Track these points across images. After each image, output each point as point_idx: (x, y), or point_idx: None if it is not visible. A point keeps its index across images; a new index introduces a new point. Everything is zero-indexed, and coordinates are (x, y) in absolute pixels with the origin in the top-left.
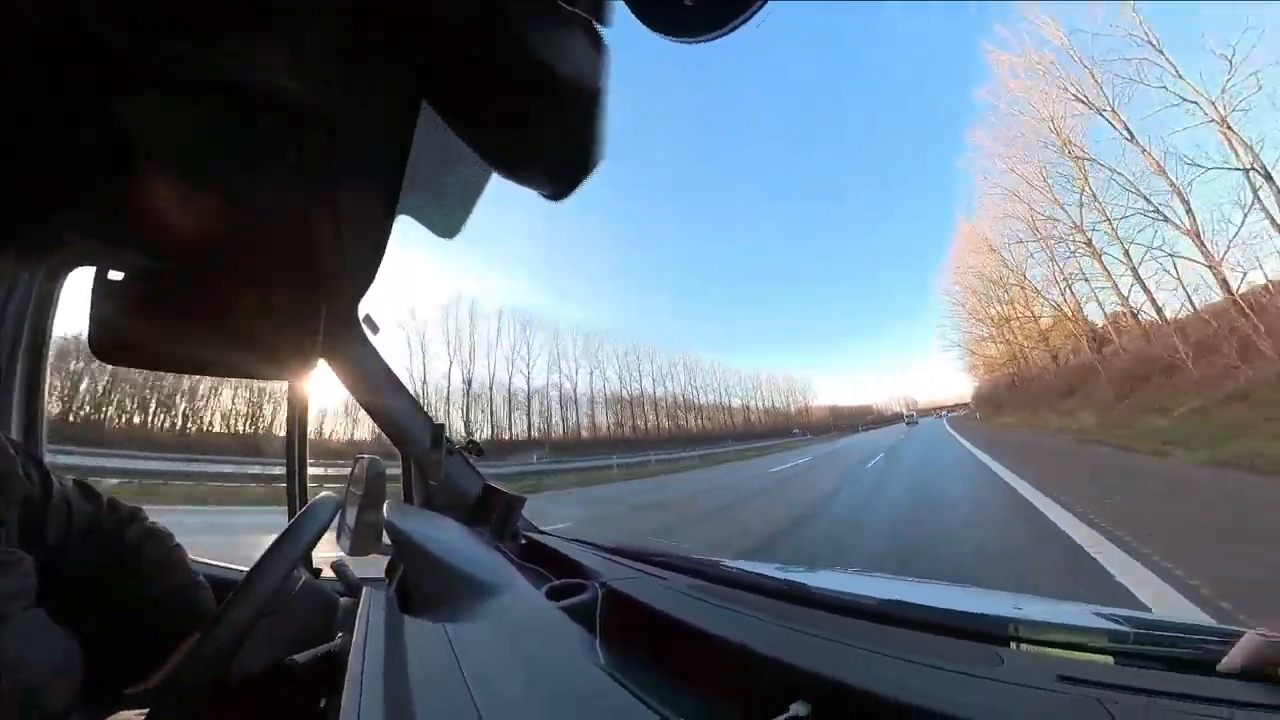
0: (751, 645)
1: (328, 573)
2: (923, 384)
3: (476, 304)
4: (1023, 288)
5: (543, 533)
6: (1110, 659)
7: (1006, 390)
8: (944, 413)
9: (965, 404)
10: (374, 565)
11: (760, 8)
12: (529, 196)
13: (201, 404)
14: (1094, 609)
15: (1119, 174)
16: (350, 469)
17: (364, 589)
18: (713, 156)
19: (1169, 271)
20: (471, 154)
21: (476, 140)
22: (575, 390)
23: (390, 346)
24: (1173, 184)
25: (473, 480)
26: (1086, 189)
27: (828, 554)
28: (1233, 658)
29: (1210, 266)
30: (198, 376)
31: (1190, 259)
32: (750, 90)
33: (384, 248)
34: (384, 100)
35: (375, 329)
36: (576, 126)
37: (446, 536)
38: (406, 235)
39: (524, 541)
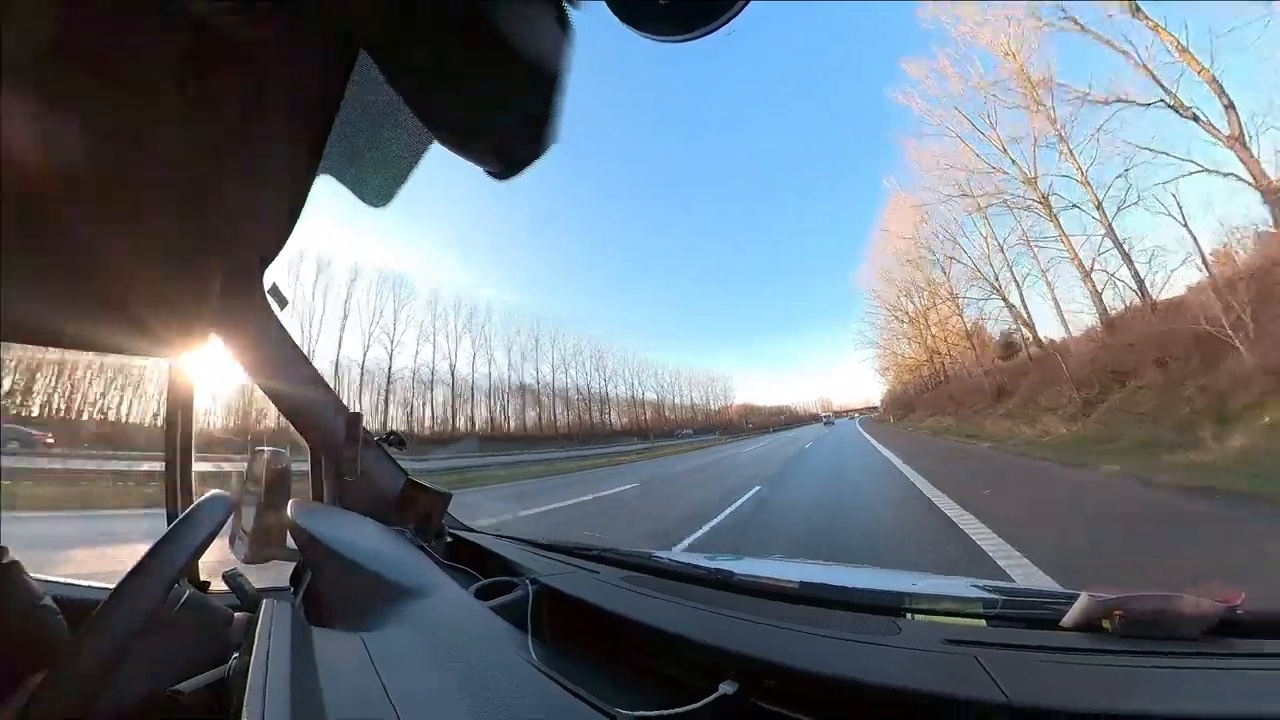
0: (682, 631)
1: (219, 585)
2: (837, 387)
3: (400, 282)
4: (947, 271)
5: (471, 530)
6: (984, 622)
7: (921, 392)
8: (856, 415)
9: (874, 407)
10: (276, 573)
11: (733, 16)
12: (462, 171)
13: (58, 384)
14: (971, 581)
15: (1117, 49)
16: (247, 463)
17: (263, 601)
18: (654, 149)
19: (1172, 215)
20: (414, 119)
21: (420, 105)
22: (456, 375)
23: (301, 322)
24: (1202, 69)
25: (394, 475)
26: (1040, 106)
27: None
28: (1072, 614)
29: (1266, 190)
30: (51, 349)
31: (1237, 177)
32: (693, 80)
33: (300, 208)
34: (316, 38)
35: (283, 301)
36: (533, 104)
37: (362, 537)
38: (328, 198)
39: (450, 540)
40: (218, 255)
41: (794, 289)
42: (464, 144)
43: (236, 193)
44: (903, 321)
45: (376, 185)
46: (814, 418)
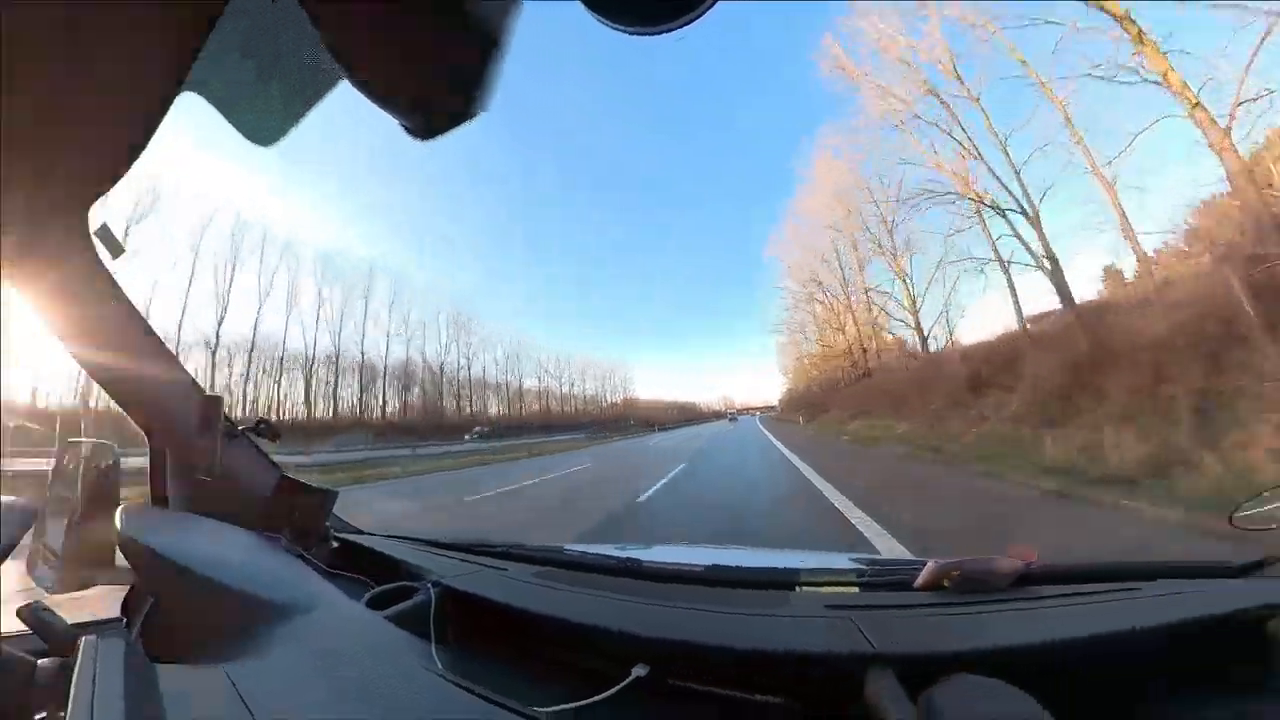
0: (593, 621)
1: (13, 625)
2: (739, 388)
3: (282, 238)
4: (882, 202)
5: (361, 533)
6: (856, 589)
7: (832, 388)
8: (757, 414)
9: (772, 407)
10: (102, 603)
11: (702, 13)
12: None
13: None
14: (849, 556)
15: None
16: (54, 460)
17: (82, 641)
18: (585, 138)
19: None
20: (323, 49)
21: (335, 34)
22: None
23: (142, 277)
24: None
25: (264, 472)
26: None
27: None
28: (921, 577)
29: None
30: None
31: None
32: (631, 70)
33: (151, 130)
34: None
35: (117, 248)
36: (472, 61)
37: (223, 548)
38: (195, 122)
39: (336, 545)
40: (21, 175)
41: (703, 293)
42: (382, 90)
43: (58, 94)
44: (818, 300)
45: (262, 118)
46: (717, 415)
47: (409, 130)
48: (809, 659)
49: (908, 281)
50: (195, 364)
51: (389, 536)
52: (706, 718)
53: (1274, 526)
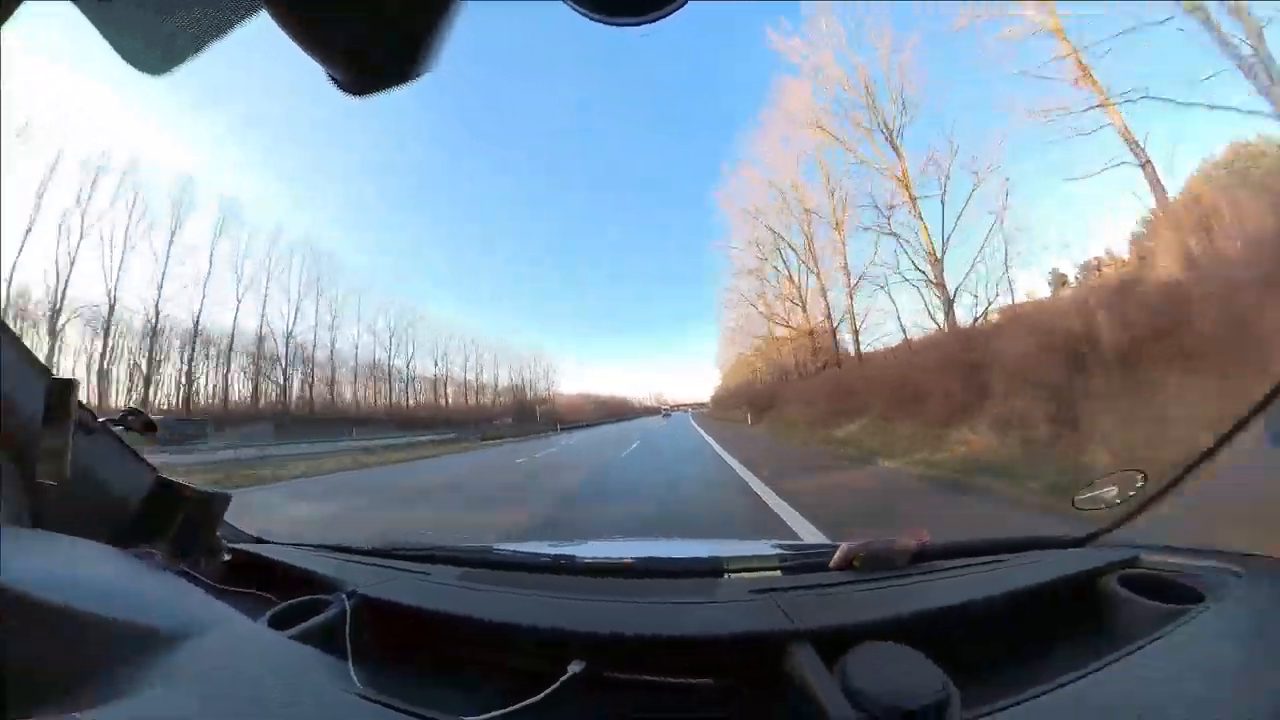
0: (526, 621)
1: None
2: (672, 385)
3: (166, 182)
4: None
5: (261, 541)
6: (779, 572)
7: (780, 381)
8: (689, 410)
9: (703, 404)
10: None
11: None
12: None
13: None
14: (772, 543)
15: None
16: None
17: None
18: (534, 110)
19: None
20: None
21: None
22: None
23: None
24: None
25: (133, 475)
26: None
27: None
28: (834, 559)
29: None
30: None
31: None
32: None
33: None
34: None
35: None
36: (418, 14)
37: (76, 569)
38: (53, 30)
39: (230, 558)
40: None
41: (637, 291)
42: (312, 40)
43: None
44: (774, 267)
45: (151, 40)
46: (649, 410)
47: (337, 83)
48: (736, 640)
49: (933, 195)
50: (38, 340)
51: (294, 545)
52: (643, 707)
53: (1103, 506)
